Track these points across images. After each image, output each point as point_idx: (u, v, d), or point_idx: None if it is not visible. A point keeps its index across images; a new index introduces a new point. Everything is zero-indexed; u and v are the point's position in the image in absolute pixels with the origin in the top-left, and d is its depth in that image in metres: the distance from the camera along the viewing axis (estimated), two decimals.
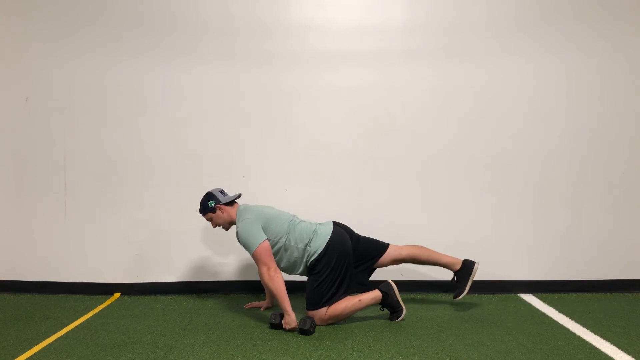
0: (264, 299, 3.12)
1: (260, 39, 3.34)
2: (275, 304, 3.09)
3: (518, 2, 3.31)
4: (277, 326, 2.68)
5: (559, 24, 3.31)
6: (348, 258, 2.77)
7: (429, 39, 3.33)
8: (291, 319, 2.64)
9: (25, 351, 2.43)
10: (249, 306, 3.09)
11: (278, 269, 2.70)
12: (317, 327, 2.70)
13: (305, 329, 2.60)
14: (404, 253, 2.96)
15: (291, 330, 2.65)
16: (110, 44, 3.36)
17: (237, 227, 2.80)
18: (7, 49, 3.39)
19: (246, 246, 2.73)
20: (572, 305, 3.06)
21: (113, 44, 3.36)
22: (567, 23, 3.31)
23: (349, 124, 3.36)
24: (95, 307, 3.12)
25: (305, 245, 2.75)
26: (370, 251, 2.93)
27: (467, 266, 2.93)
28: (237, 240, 2.85)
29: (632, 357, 2.29)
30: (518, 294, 3.30)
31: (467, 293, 2.92)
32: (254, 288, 3.37)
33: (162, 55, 3.35)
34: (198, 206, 2.93)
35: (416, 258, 2.97)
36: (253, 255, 2.70)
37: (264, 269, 2.67)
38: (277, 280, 2.65)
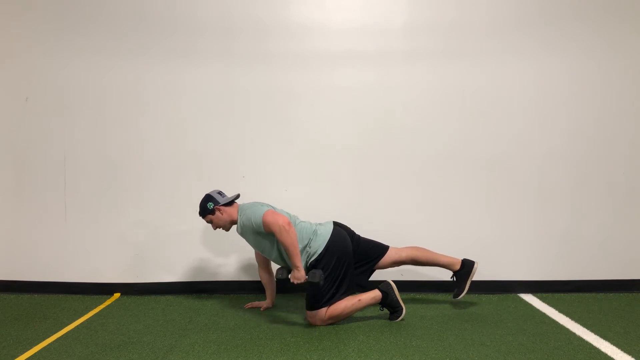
0: (264, 299, 3.12)
1: (260, 39, 3.34)
2: (275, 305, 3.09)
3: (518, 3, 3.31)
4: (283, 281, 2.68)
5: (559, 24, 3.31)
6: (348, 258, 2.77)
7: (429, 39, 3.33)
8: (300, 274, 2.65)
9: (25, 351, 2.43)
10: (249, 306, 3.09)
11: (291, 224, 2.67)
12: (317, 327, 2.71)
13: (314, 282, 2.60)
14: (404, 255, 2.97)
15: (299, 284, 2.65)
16: (110, 44, 3.36)
17: (240, 221, 2.80)
18: (7, 49, 3.39)
19: (255, 222, 2.69)
20: (572, 305, 3.06)
21: (113, 44, 3.36)
22: (567, 23, 3.31)
23: (349, 124, 3.36)
24: (95, 307, 3.12)
25: (305, 246, 2.75)
26: (370, 253, 2.94)
27: (467, 266, 2.94)
28: (237, 240, 2.86)
29: (632, 357, 2.29)
30: (518, 294, 3.30)
31: (467, 293, 2.92)
32: (254, 288, 3.36)
33: (162, 55, 3.35)
34: (198, 206, 2.93)
35: (416, 260, 2.98)
36: (263, 221, 2.66)
37: (276, 227, 2.63)
38: (292, 233, 2.63)
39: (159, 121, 3.38)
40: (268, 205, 2.81)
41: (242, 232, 2.83)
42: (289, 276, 2.68)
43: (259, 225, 2.70)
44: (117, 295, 3.38)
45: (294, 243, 2.64)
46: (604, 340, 2.48)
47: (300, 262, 2.66)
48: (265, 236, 2.75)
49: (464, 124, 3.34)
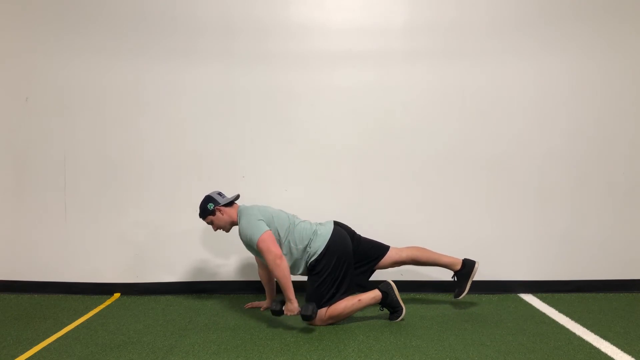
0: (264, 299, 3.12)
1: (260, 39, 3.34)
2: None
3: (518, 3, 3.31)
4: (278, 313, 2.68)
5: (559, 24, 3.31)
6: (348, 258, 2.77)
7: (429, 39, 3.33)
8: (294, 306, 2.65)
9: (25, 351, 2.43)
10: (249, 306, 3.09)
11: (284, 257, 2.68)
12: (317, 327, 2.71)
13: (307, 315, 2.61)
14: (404, 255, 2.96)
15: (293, 316, 2.68)
16: (110, 44, 3.36)
17: (239, 225, 2.80)
18: (7, 49, 3.39)
19: (250, 239, 2.71)
20: (572, 305, 3.06)
21: (113, 44, 3.36)
22: (567, 23, 3.31)
23: (349, 124, 3.36)
24: (95, 307, 3.12)
25: (305, 247, 2.75)
26: (370, 253, 2.93)
27: (468, 266, 2.93)
28: (237, 240, 2.85)
29: (632, 357, 2.29)
30: (518, 294, 3.30)
31: (467, 293, 2.93)
32: (254, 288, 3.36)
33: (162, 55, 3.35)
34: (198, 206, 2.93)
35: (416, 260, 2.98)
36: (258, 245, 2.68)
37: (270, 257, 2.65)
38: (283, 267, 2.64)
39: (159, 121, 3.38)
40: (265, 215, 2.77)
41: (240, 236, 2.83)
42: (283, 308, 2.69)
43: (253, 243, 2.71)
44: (117, 295, 3.38)
45: (286, 276, 2.64)
46: (604, 340, 2.48)
47: (293, 295, 2.66)
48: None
49: (464, 124, 3.34)
